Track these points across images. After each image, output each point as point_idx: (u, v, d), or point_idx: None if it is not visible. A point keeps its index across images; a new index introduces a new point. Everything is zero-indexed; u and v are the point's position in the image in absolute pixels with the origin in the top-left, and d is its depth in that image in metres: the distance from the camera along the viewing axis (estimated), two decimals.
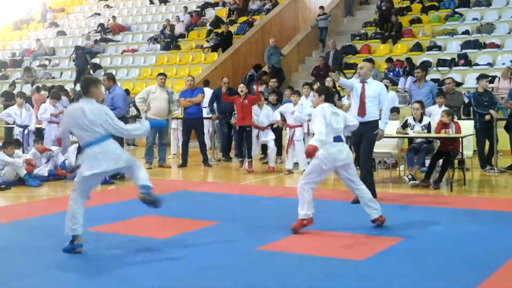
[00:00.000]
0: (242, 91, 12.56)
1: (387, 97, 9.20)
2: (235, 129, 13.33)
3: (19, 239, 7.17)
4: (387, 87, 13.52)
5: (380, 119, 9.06)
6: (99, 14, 29.35)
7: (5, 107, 18.69)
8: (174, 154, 15.42)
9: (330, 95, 7.50)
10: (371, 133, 9.01)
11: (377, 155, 11.89)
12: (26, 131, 13.43)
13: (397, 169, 11.85)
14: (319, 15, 21.83)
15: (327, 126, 7.04)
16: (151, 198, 6.43)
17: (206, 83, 16.64)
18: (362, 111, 8.94)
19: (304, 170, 12.10)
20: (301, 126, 12.23)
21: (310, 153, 6.96)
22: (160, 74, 13.81)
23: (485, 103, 12.02)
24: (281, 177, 12.06)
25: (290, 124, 12.22)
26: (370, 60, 17.68)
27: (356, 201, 8.88)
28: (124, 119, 12.13)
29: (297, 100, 12.25)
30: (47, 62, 25.41)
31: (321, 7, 22.19)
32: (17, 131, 13.82)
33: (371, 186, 9.04)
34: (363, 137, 9.01)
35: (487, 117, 11.81)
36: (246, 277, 5.53)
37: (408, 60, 17.86)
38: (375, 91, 8.97)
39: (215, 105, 14.44)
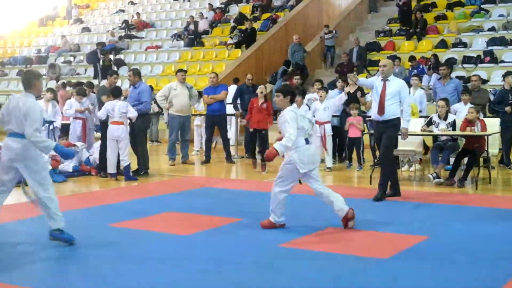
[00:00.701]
0: (262, 93, 12.44)
1: (408, 95, 9.09)
2: (246, 130, 13.29)
3: (41, 234, 7.21)
4: (410, 85, 13.43)
5: (402, 116, 8.98)
6: (123, 11, 29.50)
7: None
8: (197, 151, 15.47)
9: (294, 96, 7.31)
10: (391, 131, 8.94)
11: (401, 153, 11.82)
12: (51, 127, 13.51)
13: (417, 167, 11.75)
14: (325, 33, 21.17)
15: (299, 129, 6.96)
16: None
17: (236, 80, 16.62)
18: (381, 109, 8.88)
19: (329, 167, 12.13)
20: (329, 122, 12.22)
21: (271, 157, 7.01)
22: (180, 70, 13.78)
23: (510, 101, 11.88)
24: None
25: (320, 121, 12.08)
26: (394, 58, 17.80)
27: (378, 198, 8.86)
28: (147, 116, 12.19)
29: (324, 96, 12.25)
30: (71, 59, 25.59)
31: (326, 26, 21.44)
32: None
33: (395, 183, 9.01)
34: (383, 135, 8.96)
35: (507, 108, 11.66)
36: (269, 274, 5.52)
37: (435, 56, 17.70)
38: (396, 89, 8.88)
39: (238, 101, 14.44)
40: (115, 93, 11.43)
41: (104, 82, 16.20)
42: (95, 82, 21.55)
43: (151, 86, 16.28)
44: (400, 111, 8.97)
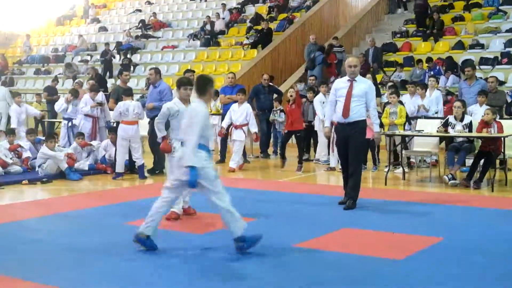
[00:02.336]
0: (291, 96, 12.44)
1: (374, 96, 8.66)
2: (274, 128, 13.30)
3: (59, 232, 7.28)
4: (426, 85, 13.33)
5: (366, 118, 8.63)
6: (140, 11, 29.60)
7: (48, 101, 19.05)
8: (212, 150, 15.47)
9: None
10: (359, 136, 8.52)
11: (417, 154, 11.80)
12: (70, 124, 13.62)
13: (436, 168, 11.71)
14: (334, 46, 19.92)
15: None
16: None
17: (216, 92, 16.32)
18: (345, 111, 8.43)
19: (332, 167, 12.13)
20: None
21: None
22: (187, 71, 13.71)
23: None
24: (320, 175, 12.03)
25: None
26: (411, 59, 17.73)
27: (350, 207, 8.55)
28: None
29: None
30: (88, 58, 25.71)
31: (335, 38, 20.50)
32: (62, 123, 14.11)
33: (357, 189, 8.62)
34: (350, 139, 8.49)
35: None
36: (283, 274, 5.53)
37: (449, 58, 17.62)
38: (362, 90, 8.48)
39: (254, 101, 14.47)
40: (128, 93, 11.50)
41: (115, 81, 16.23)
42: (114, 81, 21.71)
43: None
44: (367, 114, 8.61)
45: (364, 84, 8.57)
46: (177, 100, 7.76)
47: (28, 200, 9.83)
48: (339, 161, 9.50)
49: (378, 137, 8.85)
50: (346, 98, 8.43)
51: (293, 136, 12.50)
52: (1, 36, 31.39)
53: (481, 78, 16.19)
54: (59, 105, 13.95)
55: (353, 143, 8.47)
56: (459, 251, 6.22)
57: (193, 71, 13.84)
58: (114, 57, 24.57)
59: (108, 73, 23.37)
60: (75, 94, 13.90)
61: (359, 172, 8.64)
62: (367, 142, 9.08)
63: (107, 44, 24.99)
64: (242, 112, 12.66)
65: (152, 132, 11.70)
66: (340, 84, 8.68)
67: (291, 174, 11.82)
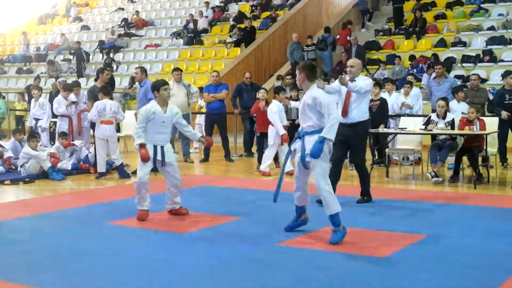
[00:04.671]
0: (263, 96, 12.28)
1: (369, 90, 8.62)
2: (251, 133, 13.23)
3: (42, 232, 7.23)
4: (411, 83, 13.49)
5: (367, 120, 8.67)
6: (122, 9, 29.49)
7: (30, 100, 18.91)
8: (196, 148, 15.49)
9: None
10: (360, 138, 8.59)
11: (401, 152, 11.84)
12: (37, 124, 13.63)
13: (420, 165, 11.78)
14: (307, 45, 19.91)
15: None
16: None
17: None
18: (344, 111, 8.44)
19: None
20: None
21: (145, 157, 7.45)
22: (176, 69, 13.79)
23: (509, 101, 11.87)
24: None
25: None
26: (394, 56, 17.82)
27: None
28: None
29: None
30: (71, 57, 25.58)
31: (310, 37, 20.28)
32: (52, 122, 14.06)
33: (366, 182, 8.83)
34: (350, 140, 8.51)
35: (503, 114, 11.61)
36: (267, 273, 5.53)
37: (435, 56, 17.72)
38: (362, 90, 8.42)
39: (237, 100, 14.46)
40: (106, 91, 11.40)
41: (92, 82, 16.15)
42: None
43: None
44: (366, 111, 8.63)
45: (363, 83, 8.47)
46: (154, 103, 7.72)
47: (10, 200, 9.76)
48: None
49: (344, 81, 8.16)
50: (345, 98, 8.46)
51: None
52: None
53: (463, 76, 16.42)
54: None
55: (354, 143, 8.57)
56: (443, 249, 6.25)
57: (181, 70, 13.86)
58: (89, 55, 24.55)
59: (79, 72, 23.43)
60: (40, 90, 13.90)
61: (363, 165, 8.80)
62: (365, 144, 9.04)
63: (78, 42, 24.87)
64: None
65: None
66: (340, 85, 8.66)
67: (274, 173, 11.82)
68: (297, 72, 6.81)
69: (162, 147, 7.68)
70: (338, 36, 20.64)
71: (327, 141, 6.48)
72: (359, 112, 8.47)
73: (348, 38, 20.10)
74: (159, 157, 7.66)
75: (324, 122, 6.49)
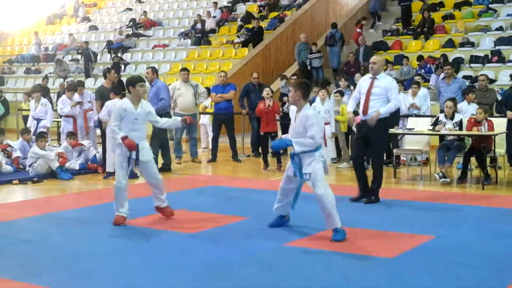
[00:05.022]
0: (268, 94, 12.33)
1: (396, 94, 8.69)
2: (253, 130, 13.23)
3: (50, 232, 7.26)
4: (419, 83, 13.45)
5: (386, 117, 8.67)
6: (131, 9, 29.54)
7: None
8: (204, 148, 15.53)
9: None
10: (379, 131, 8.61)
11: (408, 152, 11.82)
12: (38, 124, 13.66)
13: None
14: (311, 53, 19.71)
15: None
16: None
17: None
18: (365, 108, 8.58)
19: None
20: (329, 123, 12.22)
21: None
22: (183, 69, 13.84)
23: None
24: None
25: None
26: (402, 57, 17.80)
27: (356, 198, 8.78)
28: (168, 114, 12.09)
29: (325, 96, 12.25)
30: (79, 57, 25.65)
31: (314, 44, 20.22)
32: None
33: (378, 182, 8.88)
34: (370, 135, 8.60)
35: (510, 114, 11.57)
36: (274, 273, 5.54)
37: (444, 56, 17.67)
38: (383, 87, 8.54)
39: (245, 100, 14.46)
40: (116, 91, 11.41)
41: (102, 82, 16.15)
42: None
43: None
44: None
45: (384, 82, 8.62)
46: (125, 100, 7.61)
47: (18, 200, 9.80)
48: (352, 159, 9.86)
49: (373, 117, 8.47)
50: (366, 95, 8.58)
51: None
52: None
53: (471, 76, 16.37)
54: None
55: (373, 139, 8.63)
56: (450, 250, 6.23)
57: (188, 70, 13.88)
58: (97, 55, 24.63)
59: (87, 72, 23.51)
60: (41, 91, 13.95)
61: (380, 165, 8.85)
62: (386, 139, 9.07)
63: (86, 42, 24.93)
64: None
65: (154, 133, 11.68)
66: (363, 81, 8.83)
67: (281, 174, 11.80)
68: (291, 88, 6.85)
69: (136, 145, 7.48)
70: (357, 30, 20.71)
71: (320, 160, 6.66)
72: (379, 109, 8.53)
73: (360, 33, 20.15)
74: (133, 156, 7.46)
75: (306, 137, 6.59)
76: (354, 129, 9.86)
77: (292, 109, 7.13)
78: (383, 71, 8.97)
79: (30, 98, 14.41)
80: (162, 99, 11.75)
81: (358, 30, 20.42)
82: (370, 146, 8.76)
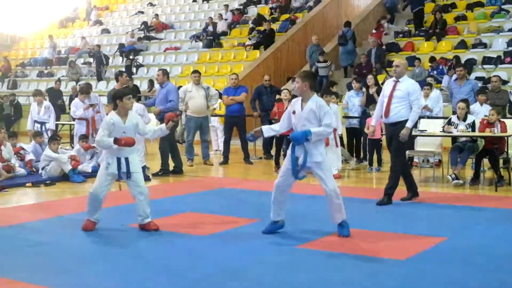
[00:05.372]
0: (286, 96, 12.31)
1: (418, 97, 8.72)
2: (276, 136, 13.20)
3: (63, 234, 7.28)
4: (431, 85, 13.39)
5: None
6: (142, 12, 29.64)
7: (51, 103, 19.09)
8: (216, 150, 15.55)
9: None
10: (398, 136, 8.63)
11: (421, 154, 11.78)
12: (43, 128, 13.75)
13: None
14: (318, 61, 19.25)
15: None
16: None
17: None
18: (386, 111, 8.67)
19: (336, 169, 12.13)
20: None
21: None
22: (194, 71, 13.85)
23: None
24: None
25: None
26: (414, 58, 17.74)
27: (383, 203, 8.75)
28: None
29: (328, 99, 12.23)
30: (91, 60, 25.76)
31: (321, 54, 19.47)
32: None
33: (411, 185, 8.93)
34: (393, 138, 8.72)
35: None
36: (286, 275, 5.53)
37: (457, 58, 17.61)
38: (404, 91, 8.56)
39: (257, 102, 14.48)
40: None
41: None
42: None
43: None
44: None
45: (406, 85, 8.64)
46: (113, 114, 7.44)
47: (32, 202, 9.85)
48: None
49: (404, 133, 8.59)
50: (388, 98, 8.67)
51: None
52: (4, 39, 31.45)
53: (483, 77, 16.29)
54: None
55: (394, 142, 8.70)
56: (463, 252, 6.21)
57: (199, 72, 13.91)
58: (108, 58, 24.73)
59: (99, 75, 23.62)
60: (42, 94, 14.02)
61: (397, 169, 8.86)
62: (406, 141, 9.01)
63: (98, 45, 25.03)
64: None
65: (162, 137, 11.76)
66: (386, 85, 8.91)
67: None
68: (297, 79, 6.85)
69: (126, 159, 7.40)
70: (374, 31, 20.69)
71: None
72: (398, 113, 8.61)
73: (381, 31, 20.07)
74: (123, 169, 7.41)
75: (320, 126, 6.70)
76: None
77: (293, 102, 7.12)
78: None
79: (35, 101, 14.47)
80: (170, 101, 11.80)
81: (374, 30, 20.29)
82: (391, 148, 8.84)
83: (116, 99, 7.41)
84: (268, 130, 7.12)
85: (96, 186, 7.43)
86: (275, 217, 7.07)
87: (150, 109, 13.77)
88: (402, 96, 8.57)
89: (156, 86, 13.82)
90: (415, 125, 9.23)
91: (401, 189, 8.98)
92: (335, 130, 11.71)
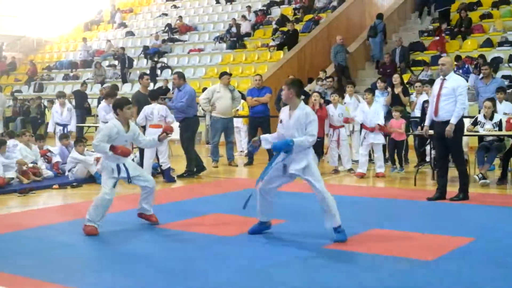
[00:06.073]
0: (315, 100, 12.14)
1: (463, 93, 8.71)
2: None
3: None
4: None
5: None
6: (166, 15, 29.79)
7: (75, 106, 19.27)
8: (240, 151, 15.56)
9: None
10: (453, 132, 8.70)
11: None
12: (65, 130, 13.91)
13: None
14: (319, 78, 17.64)
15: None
16: None
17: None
18: (435, 109, 8.80)
19: (349, 169, 12.08)
20: (343, 126, 12.30)
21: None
22: (225, 73, 13.86)
23: None
24: (342, 177, 11.98)
25: (335, 125, 12.09)
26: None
27: (433, 198, 8.80)
28: (193, 118, 12.17)
29: (336, 99, 12.21)
30: (115, 62, 25.95)
31: (324, 70, 18.40)
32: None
33: (465, 180, 9.04)
34: (445, 138, 8.75)
35: None
36: (314, 275, 5.51)
37: (482, 57, 17.43)
38: (450, 88, 8.68)
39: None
40: (152, 96, 11.58)
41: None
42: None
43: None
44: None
45: (452, 82, 8.76)
46: (116, 122, 7.47)
47: (58, 204, 9.93)
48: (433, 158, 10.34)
49: (449, 130, 8.65)
50: (436, 97, 8.80)
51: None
52: (30, 42, 31.80)
53: (510, 76, 16.11)
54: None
55: (450, 140, 8.74)
56: (492, 252, 6.14)
57: (230, 74, 13.95)
58: (133, 61, 24.89)
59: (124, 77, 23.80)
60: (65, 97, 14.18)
61: (462, 164, 9.06)
62: (460, 138, 9.09)
63: (122, 48, 25.17)
64: (374, 112, 11.72)
65: (182, 135, 11.84)
66: (435, 84, 9.02)
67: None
68: (284, 86, 6.82)
69: (124, 164, 7.52)
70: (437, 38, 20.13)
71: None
72: (448, 111, 8.67)
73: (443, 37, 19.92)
74: (124, 174, 7.51)
75: (305, 134, 6.64)
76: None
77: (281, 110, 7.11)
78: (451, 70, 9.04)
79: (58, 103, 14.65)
80: (180, 102, 11.81)
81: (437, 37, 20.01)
82: (450, 146, 8.86)
83: (116, 108, 7.47)
84: (266, 142, 7.04)
85: (107, 192, 7.44)
86: (262, 218, 7.09)
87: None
88: (449, 93, 8.68)
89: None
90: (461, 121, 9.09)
91: (428, 190, 8.91)
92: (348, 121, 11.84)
